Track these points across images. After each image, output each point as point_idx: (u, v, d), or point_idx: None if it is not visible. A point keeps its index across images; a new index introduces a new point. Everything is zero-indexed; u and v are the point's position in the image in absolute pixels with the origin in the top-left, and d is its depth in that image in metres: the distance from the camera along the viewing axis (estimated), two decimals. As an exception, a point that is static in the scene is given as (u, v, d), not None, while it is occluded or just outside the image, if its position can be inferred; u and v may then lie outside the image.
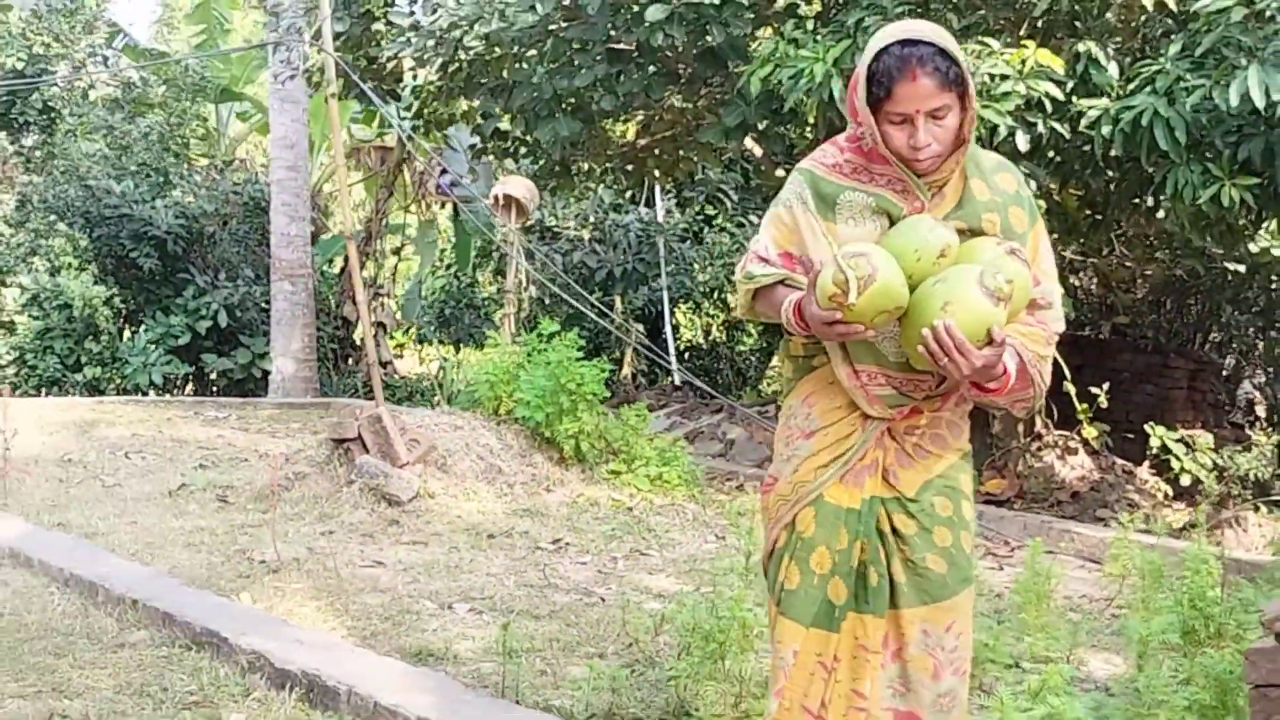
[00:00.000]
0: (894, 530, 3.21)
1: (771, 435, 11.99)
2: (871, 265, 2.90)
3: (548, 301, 16.70)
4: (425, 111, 12.62)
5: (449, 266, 21.02)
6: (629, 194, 18.52)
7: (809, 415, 3.26)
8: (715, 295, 18.99)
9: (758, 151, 12.39)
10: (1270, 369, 14.88)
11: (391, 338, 19.24)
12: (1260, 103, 7.10)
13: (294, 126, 16.49)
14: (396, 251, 20.25)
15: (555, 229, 18.62)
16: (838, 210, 3.14)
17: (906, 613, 3.20)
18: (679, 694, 5.06)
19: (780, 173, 12.78)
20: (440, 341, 20.11)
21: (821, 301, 2.96)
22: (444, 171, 16.77)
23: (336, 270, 18.78)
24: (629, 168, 13.35)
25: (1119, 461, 11.10)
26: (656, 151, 13.22)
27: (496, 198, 10.26)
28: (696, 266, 18.33)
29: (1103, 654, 6.02)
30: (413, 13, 11.07)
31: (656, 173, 13.72)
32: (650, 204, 18.53)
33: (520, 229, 10.79)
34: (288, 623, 5.84)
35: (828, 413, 3.22)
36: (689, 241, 18.44)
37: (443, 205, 18.45)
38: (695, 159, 13.57)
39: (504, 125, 12.00)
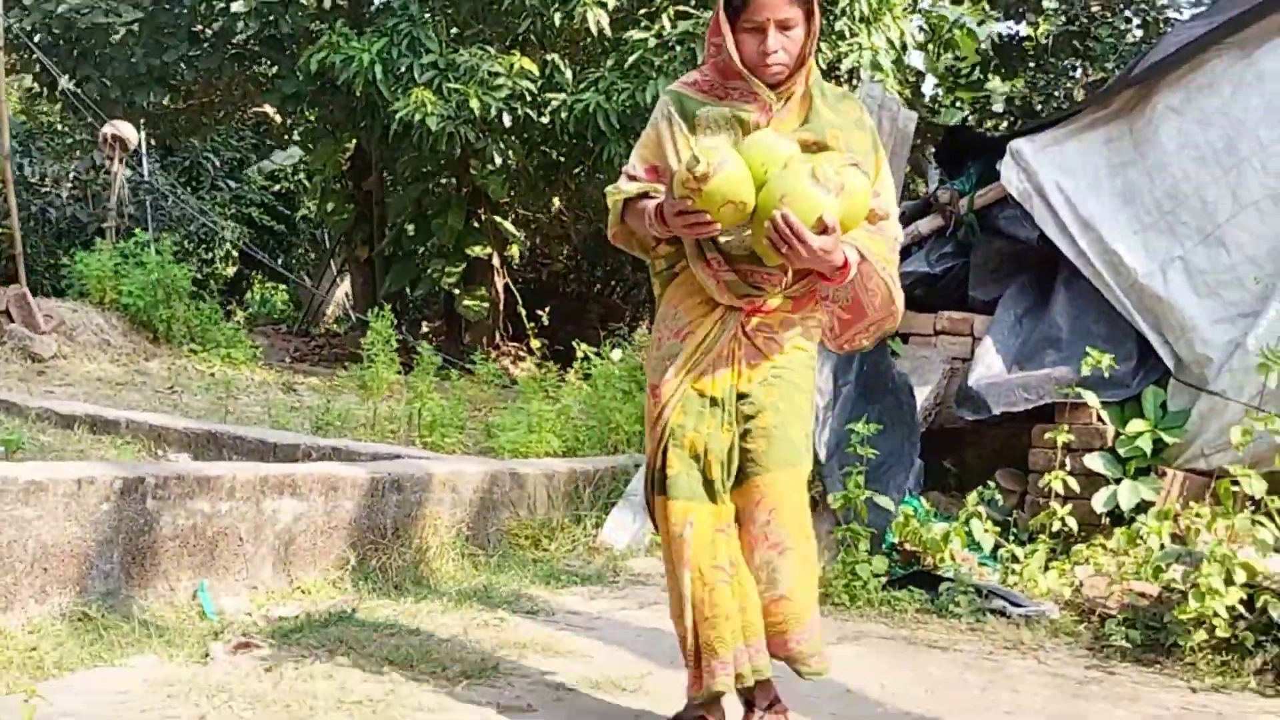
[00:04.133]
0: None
1: (280, 341, 14.99)
2: (721, 156, 3.15)
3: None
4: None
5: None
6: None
7: (676, 314, 3.46)
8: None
9: (278, 119, 15.45)
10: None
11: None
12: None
13: None
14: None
15: (39, 184, 20.38)
16: (697, 123, 3.37)
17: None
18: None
19: (295, 137, 15.92)
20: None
21: (677, 189, 3.20)
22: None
23: None
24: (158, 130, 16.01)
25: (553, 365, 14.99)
26: (182, 119, 16.01)
27: (106, 135, 12.71)
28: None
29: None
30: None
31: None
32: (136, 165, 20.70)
33: (123, 161, 13.28)
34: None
35: (692, 309, 3.43)
36: (170, 199, 20.75)
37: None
38: (215, 124, 16.39)
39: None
